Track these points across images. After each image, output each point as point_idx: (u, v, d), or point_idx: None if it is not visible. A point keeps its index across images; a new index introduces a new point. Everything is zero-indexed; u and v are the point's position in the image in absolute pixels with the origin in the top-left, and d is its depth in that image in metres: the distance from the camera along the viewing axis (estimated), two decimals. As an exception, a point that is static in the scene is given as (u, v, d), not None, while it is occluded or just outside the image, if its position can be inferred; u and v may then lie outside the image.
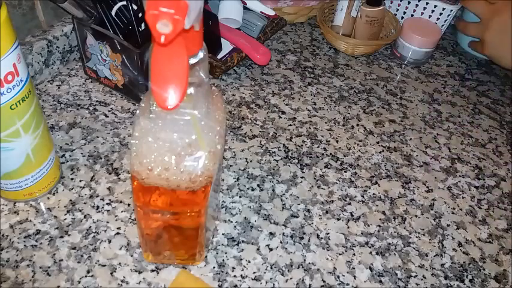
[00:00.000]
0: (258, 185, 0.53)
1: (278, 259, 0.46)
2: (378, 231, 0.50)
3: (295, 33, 0.80)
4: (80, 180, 0.50)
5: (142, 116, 0.34)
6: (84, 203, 0.48)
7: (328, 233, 0.49)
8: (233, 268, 0.44)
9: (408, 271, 0.47)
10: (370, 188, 0.55)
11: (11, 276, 0.41)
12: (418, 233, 0.51)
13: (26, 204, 0.47)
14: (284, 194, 0.52)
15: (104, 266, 0.43)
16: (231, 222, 0.49)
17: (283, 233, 0.48)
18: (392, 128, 0.64)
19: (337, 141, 0.60)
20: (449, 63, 0.80)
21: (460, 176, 0.59)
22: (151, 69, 0.27)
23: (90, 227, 0.46)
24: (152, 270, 0.43)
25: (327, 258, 0.47)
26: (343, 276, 0.45)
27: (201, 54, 0.30)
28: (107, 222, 0.47)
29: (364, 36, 0.75)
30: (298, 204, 0.51)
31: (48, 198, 0.48)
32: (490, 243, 0.51)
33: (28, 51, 0.57)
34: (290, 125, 0.62)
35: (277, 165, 0.56)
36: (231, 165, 0.55)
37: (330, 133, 0.61)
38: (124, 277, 0.42)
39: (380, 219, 0.51)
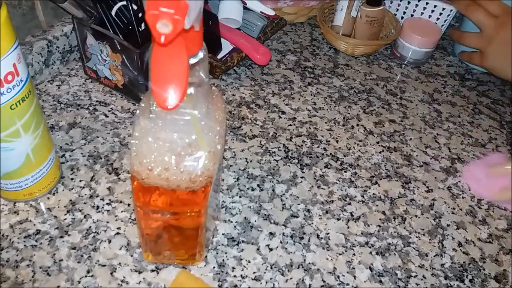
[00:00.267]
0: (258, 185, 0.53)
1: (278, 259, 0.46)
2: (378, 231, 0.50)
3: (295, 33, 0.80)
4: (80, 180, 0.50)
5: (142, 116, 0.34)
6: (84, 203, 0.48)
7: (328, 233, 0.49)
8: (233, 268, 0.44)
9: (408, 271, 0.47)
10: (370, 188, 0.55)
11: (11, 276, 0.41)
12: (418, 233, 0.51)
13: (26, 204, 0.47)
14: (284, 194, 0.52)
15: (104, 266, 0.43)
16: (231, 222, 0.49)
17: (283, 233, 0.48)
18: (393, 128, 0.64)
19: (337, 141, 0.60)
20: (449, 63, 0.80)
21: (460, 176, 0.59)
22: (151, 69, 0.27)
23: (90, 227, 0.46)
24: (152, 270, 0.43)
25: (327, 258, 0.47)
26: (343, 276, 0.45)
27: (201, 54, 0.30)
28: (107, 222, 0.47)
29: (364, 36, 0.75)
30: (298, 204, 0.51)
31: (48, 198, 0.48)
32: (490, 243, 0.51)
33: (28, 51, 0.57)
34: (290, 125, 0.62)
35: (277, 165, 0.56)
36: (231, 165, 0.55)
37: (330, 133, 0.61)
38: (124, 277, 0.42)
39: (380, 219, 0.51)
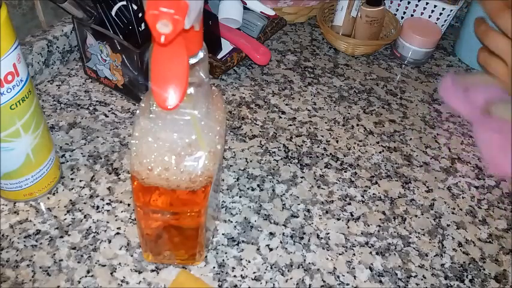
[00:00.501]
0: (258, 185, 0.53)
1: (278, 259, 0.46)
2: (378, 231, 0.50)
3: (295, 33, 0.80)
4: (80, 180, 0.50)
5: (142, 116, 0.34)
6: (84, 203, 0.48)
7: (328, 233, 0.49)
8: (233, 268, 0.44)
9: (408, 271, 0.47)
10: (370, 188, 0.55)
11: (11, 276, 0.41)
12: (418, 233, 0.51)
13: (26, 204, 0.47)
14: (284, 194, 0.52)
15: (104, 266, 0.43)
16: (231, 222, 0.49)
17: (283, 233, 0.48)
18: (393, 128, 0.64)
19: (337, 141, 0.60)
20: (449, 63, 0.80)
21: (460, 176, 0.59)
22: (151, 69, 0.27)
23: (90, 227, 0.46)
24: (152, 270, 0.43)
25: (327, 258, 0.47)
26: (343, 276, 0.45)
27: (201, 54, 0.30)
28: (107, 222, 0.47)
29: (364, 36, 0.75)
30: (298, 204, 0.51)
31: (48, 198, 0.48)
32: (490, 243, 0.51)
33: (28, 51, 0.57)
34: (290, 125, 0.62)
35: (277, 165, 0.56)
36: (231, 165, 0.55)
37: (330, 133, 0.61)
38: (124, 277, 0.42)
39: (380, 219, 0.51)
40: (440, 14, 0.77)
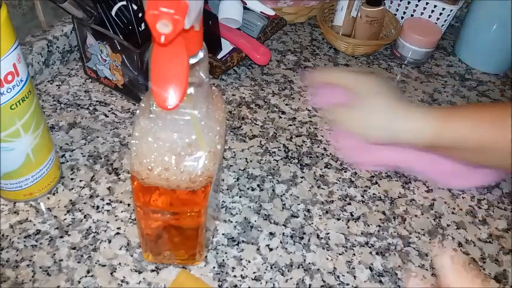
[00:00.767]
0: (258, 185, 0.53)
1: (278, 259, 0.46)
2: (378, 231, 0.50)
3: (295, 33, 0.80)
4: (80, 180, 0.50)
5: (142, 116, 0.34)
6: (84, 203, 0.48)
7: (328, 233, 0.49)
8: (233, 268, 0.44)
9: (408, 271, 0.47)
10: (370, 188, 0.55)
11: (11, 276, 0.41)
12: (418, 233, 0.51)
13: (26, 204, 0.47)
14: (284, 194, 0.52)
15: (104, 266, 0.43)
16: (231, 222, 0.48)
17: (283, 233, 0.48)
18: (392, 128, 0.64)
19: (337, 141, 0.60)
20: (449, 63, 0.80)
21: (460, 176, 0.59)
22: (151, 69, 0.27)
23: (90, 227, 0.46)
24: (152, 270, 0.43)
25: (327, 258, 0.47)
26: (343, 276, 0.45)
27: (201, 54, 0.31)
28: (107, 222, 0.47)
29: (364, 36, 0.75)
30: (298, 204, 0.51)
31: (48, 198, 0.48)
32: (490, 243, 0.51)
33: (28, 51, 0.57)
34: (290, 125, 0.62)
35: (277, 165, 0.56)
36: (231, 165, 0.55)
37: (330, 133, 0.61)
38: (124, 277, 0.42)
39: (380, 219, 0.51)
40: (440, 14, 0.77)
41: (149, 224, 0.39)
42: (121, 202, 0.48)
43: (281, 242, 0.47)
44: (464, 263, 0.35)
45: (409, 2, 0.79)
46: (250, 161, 0.55)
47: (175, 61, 0.27)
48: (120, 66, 0.57)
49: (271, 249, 0.47)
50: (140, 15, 0.57)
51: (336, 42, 0.75)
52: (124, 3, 0.56)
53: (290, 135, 0.60)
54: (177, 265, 0.44)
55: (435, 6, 0.76)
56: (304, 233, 0.49)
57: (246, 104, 0.64)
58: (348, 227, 0.50)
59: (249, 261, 0.45)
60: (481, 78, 0.77)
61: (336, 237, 0.49)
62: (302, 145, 0.59)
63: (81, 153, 0.53)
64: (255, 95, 0.65)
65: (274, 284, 0.44)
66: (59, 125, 0.56)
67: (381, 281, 0.45)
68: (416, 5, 0.79)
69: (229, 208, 0.50)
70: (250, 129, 0.60)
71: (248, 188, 0.52)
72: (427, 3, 0.77)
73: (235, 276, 0.44)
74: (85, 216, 0.47)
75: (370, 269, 0.46)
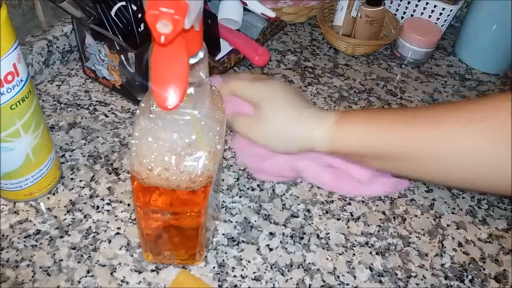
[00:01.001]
0: (258, 185, 0.53)
1: (278, 259, 0.46)
2: (378, 231, 0.50)
3: (295, 33, 0.80)
4: (80, 180, 0.50)
5: (142, 116, 0.34)
6: (84, 203, 0.48)
7: (328, 233, 0.49)
8: (233, 268, 0.44)
9: (408, 271, 0.47)
10: (370, 188, 0.55)
11: (11, 276, 0.41)
12: (418, 233, 0.51)
13: (26, 204, 0.47)
14: (284, 194, 0.52)
15: (104, 266, 0.43)
16: (231, 222, 0.48)
17: (283, 233, 0.48)
18: (392, 128, 0.64)
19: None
20: (449, 63, 0.80)
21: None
22: (151, 69, 0.27)
23: (90, 227, 0.46)
24: (152, 270, 0.43)
25: (327, 258, 0.47)
26: (343, 276, 0.45)
27: (201, 54, 0.31)
28: (107, 222, 0.47)
29: (364, 36, 0.75)
30: (298, 204, 0.51)
31: (48, 198, 0.48)
32: (490, 243, 0.51)
33: (28, 51, 0.57)
34: (290, 125, 0.62)
35: (277, 165, 0.56)
36: (231, 165, 0.55)
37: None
38: (124, 277, 0.42)
39: (380, 219, 0.51)
40: (440, 14, 0.77)
41: (149, 224, 0.39)
42: (121, 202, 0.48)
43: (281, 242, 0.47)
44: None
45: (409, 2, 0.79)
46: (250, 161, 0.55)
47: (175, 61, 0.27)
48: (118, 66, 0.57)
49: (271, 249, 0.47)
50: (139, 15, 0.57)
51: (336, 42, 0.76)
52: (123, 3, 0.56)
53: (290, 135, 0.60)
54: (177, 265, 0.44)
55: (435, 6, 0.76)
56: (304, 233, 0.49)
57: (246, 104, 0.64)
58: (348, 227, 0.50)
59: (249, 261, 0.45)
60: (481, 78, 0.77)
61: (336, 237, 0.49)
62: (302, 145, 0.59)
63: (81, 153, 0.53)
64: (255, 95, 0.65)
65: (274, 284, 0.44)
66: (59, 125, 0.56)
67: (380, 281, 0.45)
68: (416, 5, 0.79)
69: (229, 208, 0.50)
70: (250, 129, 0.60)
71: (248, 188, 0.52)
72: (427, 3, 0.77)
73: (235, 276, 0.44)
74: (85, 216, 0.47)
75: (370, 269, 0.46)
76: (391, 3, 0.82)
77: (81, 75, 0.63)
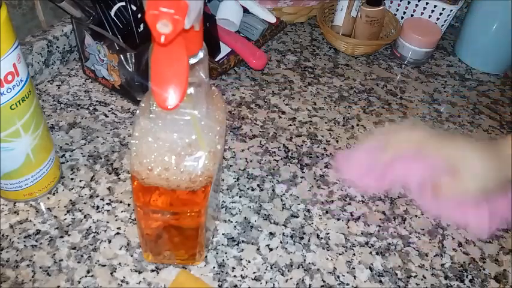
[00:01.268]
0: (258, 185, 0.53)
1: (278, 259, 0.46)
2: (378, 231, 0.50)
3: (295, 33, 0.80)
4: (80, 180, 0.50)
5: (142, 116, 0.34)
6: (84, 203, 0.48)
7: (328, 233, 0.49)
8: (233, 268, 0.44)
9: (408, 271, 0.47)
10: (370, 188, 0.55)
11: (11, 276, 0.41)
12: (418, 233, 0.51)
13: (26, 204, 0.47)
14: (284, 194, 0.52)
15: (104, 266, 0.43)
16: (231, 222, 0.48)
17: (283, 233, 0.48)
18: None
19: (337, 141, 0.60)
20: (449, 63, 0.80)
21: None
22: (151, 69, 0.27)
23: (90, 227, 0.46)
24: (152, 270, 0.43)
25: (327, 258, 0.47)
26: (343, 276, 0.45)
27: (201, 54, 0.30)
28: (107, 222, 0.47)
29: (364, 36, 0.75)
30: (298, 204, 0.51)
31: (48, 198, 0.48)
32: (490, 243, 0.51)
33: (28, 51, 0.57)
34: (290, 125, 0.62)
35: (277, 165, 0.56)
36: (231, 165, 0.55)
37: (330, 133, 0.61)
38: (124, 277, 0.42)
39: (380, 219, 0.51)
40: (440, 14, 0.77)
41: (149, 224, 0.39)
42: (121, 202, 0.48)
43: (281, 242, 0.47)
44: None
45: (409, 2, 0.79)
46: (250, 161, 0.55)
47: (175, 61, 0.27)
48: (117, 66, 0.57)
49: (271, 249, 0.47)
50: (139, 16, 0.57)
51: (336, 42, 0.75)
52: (123, 3, 0.56)
53: (290, 135, 0.60)
54: (177, 265, 0.44)
55: (435, 6, 0.76)
56: (304, 233, 0.49)
57: (246, 104, 0.64)
58: (348, 227, 0.50)
59: (249, 261, 0.45)
60: (481, 78, 0.77)
61: (336, 237, 0.49)
62: (302, 145, 0.59)
63: (81, 153, 0.53)
64: (255, 95, 0.65)
65: (274, 284, 0.44)
66: (59, 125, 0.56)
67: (380, 281, 0.45)
68: (416, 5, 0.79)
69: (229, 208, 0.50)
70: (250, 129, 0.60)
71: (248, 188, 0.52)
72: (427, 3, 0.77)
73: (235, 276, 0.44)
74: (85, 216, 0.47)
75: (370, 269, 0.46)
76: (391, 3, 0.82)
77: (81, 75, 0.63)
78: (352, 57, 0.76)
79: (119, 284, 0.42)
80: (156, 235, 0.41)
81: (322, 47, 0.78)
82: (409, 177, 0.50)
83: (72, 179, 0.50)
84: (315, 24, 0.83)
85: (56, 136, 0.55)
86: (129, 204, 0.48)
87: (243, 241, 0.47)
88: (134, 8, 0.57)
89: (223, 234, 0.47)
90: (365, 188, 0.52)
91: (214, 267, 0.44)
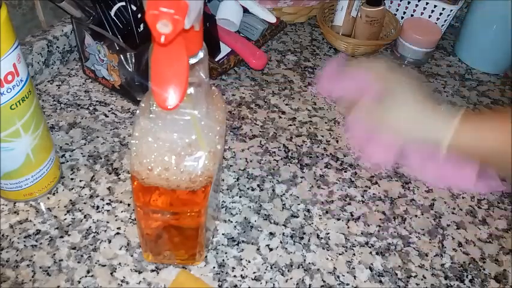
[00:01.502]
0: (258, 185, 0.53)
1: (278, 259, 0.46)
2: (378, 231, 0.50)
3: (295, 33, 0.80)
4: (80, 180, 0.50)
5: (142, 116, 0.34)
6: (84, 203, 0.48)
7: (328, 233, 0.49)
8: (233, 268, 0.44)
9: (408, 271, 0.47)
10: (370, 188, 0.55)
11: (11, 276, 0.41)
12: (418, 233, 0.51)
13: (26, 204, 0.47)
14: (284, 194, 0.52)
15: (104, 266, 0.43)
16: (231, 222, 0.48)
17: (283, 233, 0.48)
18: (392, 128, 0.64)
19: (337, 141, 0.60)
20: (449, 63, 0.80)
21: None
22: (151, 69, 0.27)
23: (90, 227, 0.46)
24: (152, 270, 0.43)
25: (327, 258, 0.47)
26: (343, 276, 0.45)
27: (201, 54, 0.30)
28: (107, 222, 0.46)
29: (364, 36, 0.75)
30: (298, 204, 0.51)
31: (48, 198, 0.48)
32: (490, 243, 0.51)
33: (28, 51, 0.57)
34: (290, 125, 0.62)
35: (277, 165, 0.56)
36: (231, 165, 0.55)
37: (330, 133, 0.61)
38: (124, 277, 0.42)
39: (380, 219, 0.51)
40: (440, 14, 0.77)
41: (149, 224, 0.39)
42: (121, 202, 0.48)
43: (281, 242, 0.47)
44: None
45: (409, 2, 0.79)
46: (250, 161, 0.55)
47: (175, 61, 0.27)
48: (117, 66, 0.57)
49: (271, 249, 0.47)
50: (139, 16, 0.57)
51: (336, 42, 0.75)
52: (123, 3, 0.56)
53: (290, 135, 0.60)
54: (177, 265, 0.44)
55: (435, 6, 0.76)
56: (304, 233, 0.49)
57: (246, 104, 0.64)
58: (348, 227, 0.50)
59: (249, 261, 0.45)
60: (481, 78, 0.77)
61: (336, 237, 0.49)
62: (302, 145, 0.59)
63: (81, 153, 0.53)
64: (255, 95, 0.65)
65: (274, 284, 0.44)
66: (59, 125, 0.56)
67: (380, 281, 0.45)
68: (416, 5, 0.79)
69: (229, 208, 0.50)
70: (250, 129, 0.60)
71: (248, 188, 0.52)
72: (427, 3, 0.77)
73: (235, 276, 0.44)
74: (85, 216, 0.47)
75: (370, 269, 0.46)
76: (391, 3, 0.82)
77: (81, 75, 0.63)
78: (352, 57, 0.76)
79: (118, 284, 0.42)
80: (156, 235, 0.41)
81: (322, 47, 0.78)
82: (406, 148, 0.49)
83: (72, 179, 0.50)
84: (315, 24, 0.83)
85: (56, 136, 0.55)
86: (129, 204, 0.48)
87: (243, 241, 0.47)
88: (134, 8, 0.57)
89: (223, 234, 0.47)
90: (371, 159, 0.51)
91: (214, 267, 0.44)
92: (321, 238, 0.48)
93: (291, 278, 0.44)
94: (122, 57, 0.55)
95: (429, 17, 0.78)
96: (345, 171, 0.56)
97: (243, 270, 0.44)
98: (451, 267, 0.48)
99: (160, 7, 0.23)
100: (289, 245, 0.47)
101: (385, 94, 0.46)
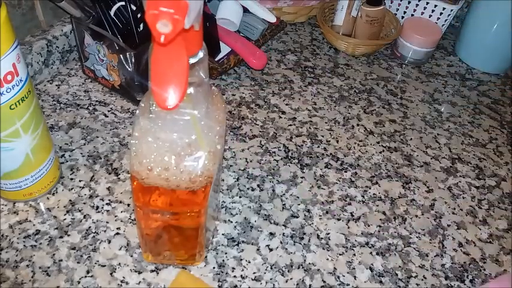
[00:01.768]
0: (258, 185, 0.53)
1: (278, 259, 0.46)
2: (378, 231, 0.50)
3: (295, 33, 0.80)
4: (80, 180, 0.50)
5: (142, 116, 0.34)
6: (84, 203, 0.48)
7: (329, 233, 0.49)
8: (233, 268, 0.44)
9: (408, 271, 0.47)
10: (370, 188, 0.55)
11: (10, 276, 0.41)
12: (419, 233, 0.51)
13: (26, 205, 0.47)
14: (284, 194, 0.52)
15: (104, 266, 0.43)
16: (231, 222, 0.48)
17: (283, 233, 0.48)
18: (393, 128, 0.64)
19: (337, 141, 0.60)
20: (449, 63, 0.79)
21: (460, 176, 0.58)
22: (151, 69, 0.27)
23: (89, 227, 0.46)
24: (152, 271, 0.43)
25: (327, 259, 0.46)
26: (344, 276, 0.45)
27: (201, 54, 0.30)
28: (107, 222, 0.46)
29: (364, 36, 0.75)
30: (298, 205, 0.51)
31: (48, 198, 0.48)
32: (490, 243, 0.51)
33: (28, 51, 0.57)
34: (290, 125, 0.62)
35: (277, 165, 0.56)
36: (231, 165, 0.55)
37: (330, 133, 0.61)
38: (124, 277, 0.42)
39: (380, 219, 0.51)
40: (441, 13, 0.77)
41: (149, 224, 0.39)
42: (121, 202, 0.48)
43: (281, 242, 0.47)
44: None
45: (409, 2, 0.79)
46: (250, 161, 0.55)
47: (175, 61, 0.27)
48: (117, 66, 0.57)
49: (271, 250, 0.46)
50: (139, 15, 0.57)
51: (336, 42, 0.75)
52: (123, 3, 0.56)
53: (290, 135, 0.60)
54: (177, 265, 0.44)
55: (435, 6, 0.76)
56: (304, 233, 0.48)
57: (246, 104, 0.64)
58: (348, 227, 0.50)
59: (249, 262, 0.45)
60: (482, 78, 0.77)
61: (336, 237, 0.49)
62: (302, 145, 0.59)
63: (81, 153, 0.53)
64: (255, 95, 0.65)
65: (274, 285, 0.44)
66: (59, 125, 0.56)
67: (381, 281, 0.45)
68: (417, 5, 0.79)
69: (229, 208, 0.50)
70: (250, 129, 0.60)
71: (248, 188, 0.52)
72: (427, 3, 0.77)
73: (235, 276, 0.44)
74: (85, 217, 0.47)
75: (371, 269, 0.46)
76: (391, 3, 0.82)
77: (80, 75, 0.63)
78: (353, 57, 0.76)
79: (118, 284, 0.42)
80: (156, 235, 0.41)
81: (322, 46, 0.78)
82: None
83: (71, 179, 0.50)
84: (315, 24, 0.83)
85: (56, 136, 0.55)
86: (128, 205, 0.48)
87: (243, 241, 0.47)
88: (134, 7, 0.57)
89: (223, 234, 0.47)
90: None
91: (214, 268, 0.44)
92: (321, 238, 0.48)
93: (291, 279, 0.44)
94: (122, 57, 0.55)
95: (429, 17, 0.78)
96: (345, 171, 0.56)
97: (243, 270, 0.44)
98: (452, 267, 0.48)
99: (160, 7, 0.23)
100: (289, 245, 0.47)
101: None
